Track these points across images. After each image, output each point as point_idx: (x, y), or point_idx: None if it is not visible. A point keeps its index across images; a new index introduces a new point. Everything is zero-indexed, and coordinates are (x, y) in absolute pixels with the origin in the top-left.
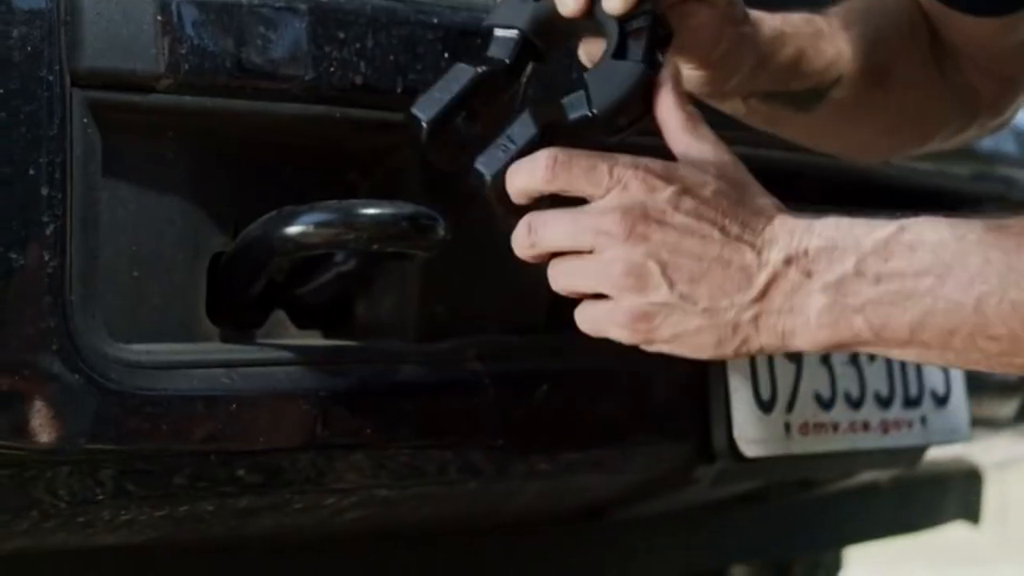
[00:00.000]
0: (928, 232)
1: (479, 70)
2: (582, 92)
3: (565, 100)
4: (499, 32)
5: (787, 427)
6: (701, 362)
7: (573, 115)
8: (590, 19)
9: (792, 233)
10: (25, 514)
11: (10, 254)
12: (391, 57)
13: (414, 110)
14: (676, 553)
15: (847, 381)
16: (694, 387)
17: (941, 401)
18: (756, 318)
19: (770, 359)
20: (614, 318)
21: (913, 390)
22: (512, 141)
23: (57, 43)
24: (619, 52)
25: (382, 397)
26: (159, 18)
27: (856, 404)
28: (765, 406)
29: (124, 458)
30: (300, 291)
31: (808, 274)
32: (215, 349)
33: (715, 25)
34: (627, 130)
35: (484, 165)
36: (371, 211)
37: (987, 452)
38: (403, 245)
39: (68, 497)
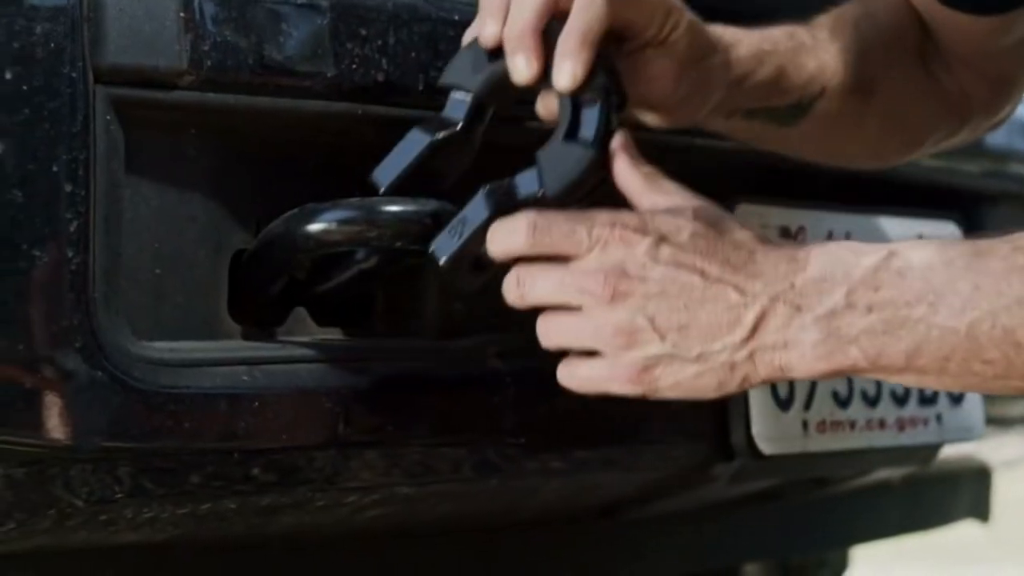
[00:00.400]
0: (916, 258)
1: (435, 136)
2: (534, 171)
3: (518, 178)
4: (455, 94)
5: (804, 425)
6: None
7: (524, 194)
8: (544, 83)
9: (776, 267)
10: (47, 512)
11: (34, 251)
12: (412, 54)
13: (373, 177)
14: (689, 551)
15: (864, 379)
16: None
17: (956, 399)
18: (751, 355)
19: None
20: (614, 375)
21: (928, 388)
22: (465, 224)
23: (80, 39)
24: (572, 129)
25: (404, 395)
26: (181, 14)
27: (873, 402)
28: (783, 404)
29: (147, 456)
30: (321, 289)
31: (798, 308)
32: (237, 347)
33: (673, 71)
34: (582, 201)
35: (439, 249)
36: (394, 208)
37: (996, 451)
38: (426, 242)
39: (90, 495)
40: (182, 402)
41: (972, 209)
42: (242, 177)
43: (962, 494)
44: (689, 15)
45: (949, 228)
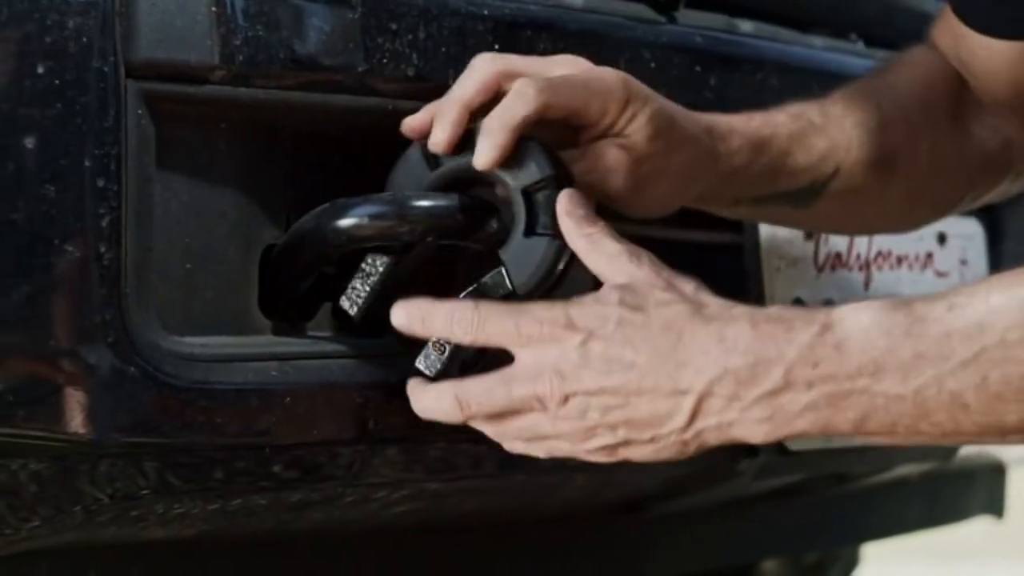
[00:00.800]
0: (853, 329)
1: (390, 258)
2: (501, 271)
3: (487, 280)
4: None
5: None
6: None
7: (497, 294)
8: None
9: (706, 352)
10: (75, 508)
11: (66, 246)
12: (442, 49)
13: (341, 304)
14: (709, 547)
15: None
16: None
17: None
18: (699, 434)
19: None
20: (586, 456)
21: None
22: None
23: (112, 34)
24: (530, 223)
25: None
26: (213, 9)
27: None
28: None
29: (177, 452)
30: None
31: (734, 394)
32: (268, 342)
33: (627, 163)
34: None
35: (425, 367)
36: (425, 203)
37: (1009, 447)
38: (458, 238)
39: (118, 491)
40: (213, 398)
41: (994, 206)
42: (272, 172)
43: (978, 490)
44: (658, 106)
45: (971, 225)
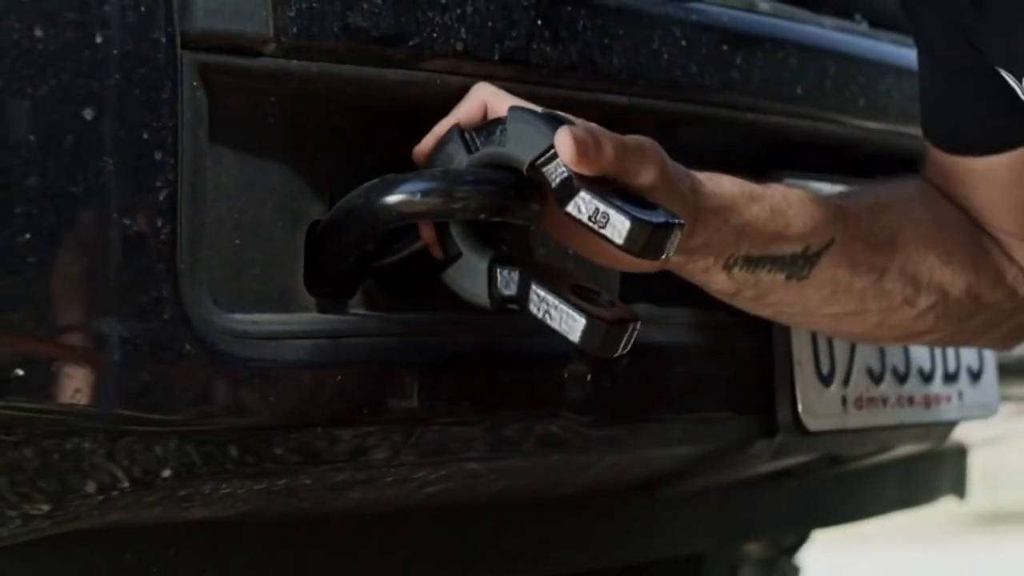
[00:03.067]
0: None
1: None
2: None
3: None
4: None
5: (844, 401)
6: (767, 335)
7: None
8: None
9: None
10: (127, 487)
11: (124, 220)
12: (489, 23)
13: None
14: (709, 527)
15: (895, 356)
16: (760, 360)
17: (975, 377)
18: None
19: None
20: None
21: (951, 366)
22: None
23: (170, 4)
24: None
25: (480, 369)
26: None
27: (902, 379)
28: (825, 380)
29: (231, 432)
30: (387, 261)
31: None
32: (316, 319)
33: None
34: None
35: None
36: (477, 179)
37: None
38: (508, 215)
39: (172, 470)
40: (266, 376)
41: None
42: (318, 147)
43: (945, 472)
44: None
45: None
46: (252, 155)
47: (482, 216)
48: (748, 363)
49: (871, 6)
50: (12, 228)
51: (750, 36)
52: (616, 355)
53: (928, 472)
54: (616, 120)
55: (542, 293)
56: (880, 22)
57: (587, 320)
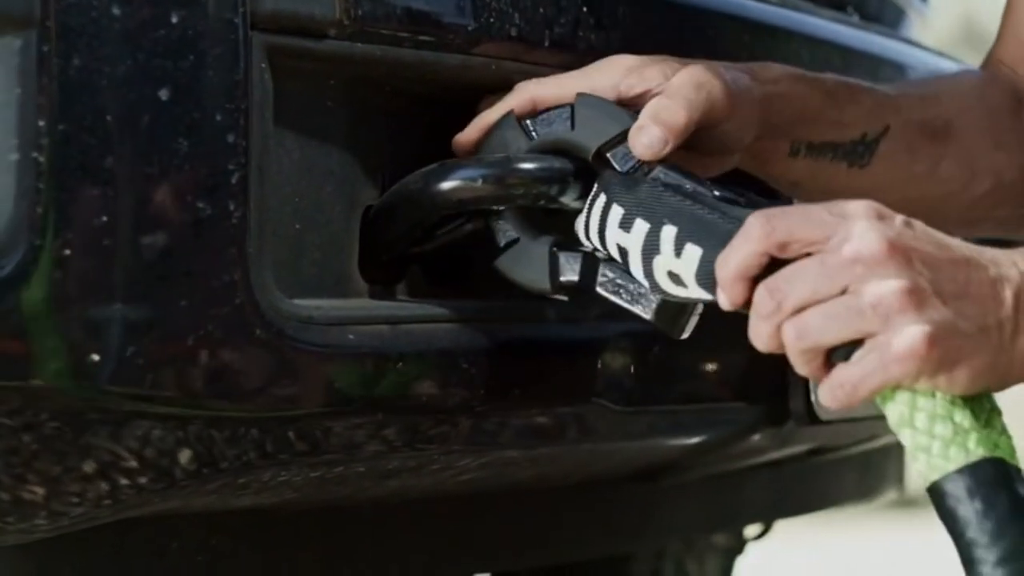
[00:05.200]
0: None
1: None
2: None
3: None
4: None
5: None
6: None
7: None
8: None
9: (1002, 255)
10: (193, 473)
11: (198, 203)
12: (540, 9)
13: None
14: (698, 516)
15: None
16: None
17: None
18: (1014, 336)
19: None
20: (905, 351)
21: None
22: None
23: None
24: None
25: (532, 356)
26: None
27: None
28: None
29: (297, 418)
30: (432, 246)
31: None
32: (378, 306)
33: None
34: None
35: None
36: (541, 166)
37: None
38: (569, 201)
39: (238, 458)
40: (331, 362)
41: None
42: (373, 132)
43: (892, 462)
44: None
45: None
46: (312, 139)
47: (542, 203)
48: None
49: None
50: (91, 210)
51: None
52: (682, 336)
53: (881, 463)
54: None
55: (611, 273)
56: (870, 16)
57: (661, 297)
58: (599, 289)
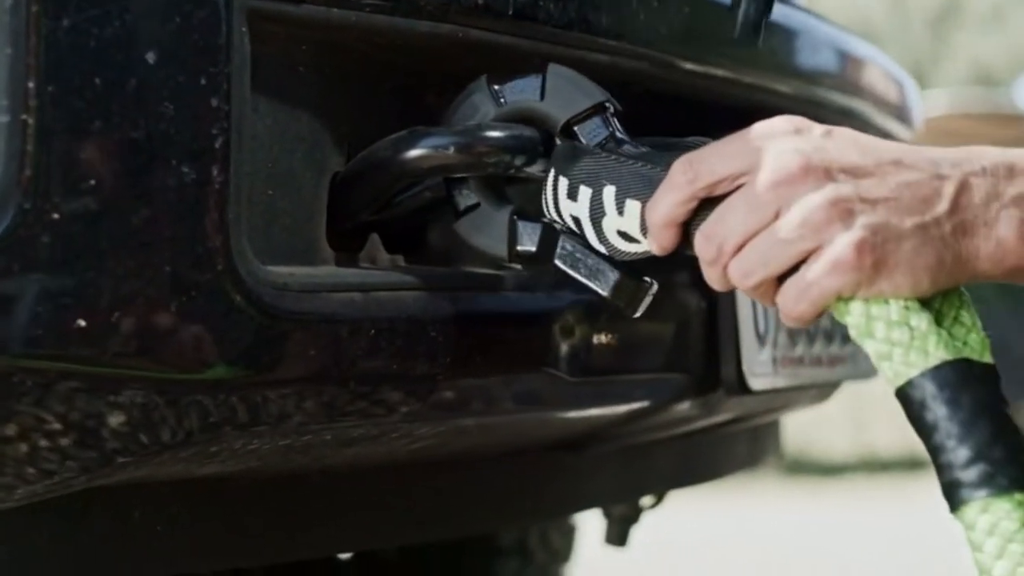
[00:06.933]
0: None
1: None
2: None
3: None
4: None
5: (774, 360)
6: (711, 293)
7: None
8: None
9: (955, 154)
10: (170, 442)
11: (183, 167)
12: None
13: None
14: (614, 484)
15: None
16: (705, 318)
17: None
18: (960, 230)
19: None
20: (834, 261)
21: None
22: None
23: None
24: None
25: (494, 325)
26: None
27: (812, 340)
28: (761, 339)
29: (275, 384)
30: (388, 214)
31: (994, 185)
32: (347, 273)
33: None
34: None
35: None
36: (507, 134)
37: None
38: (535, 171)
39: (214, 425)
40: (307, 329)
41: None
42: (342, 97)
43: (772, 432)
44: None
45: None
46: (284, 104)
47: (511, 171)
48: (694, 320)
49: None
50: (79, 174)
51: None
52: (635, 314)
53: (769, 431)
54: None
55: (569, 247)
56: None
57: (620, 274)
58: (557, 261)
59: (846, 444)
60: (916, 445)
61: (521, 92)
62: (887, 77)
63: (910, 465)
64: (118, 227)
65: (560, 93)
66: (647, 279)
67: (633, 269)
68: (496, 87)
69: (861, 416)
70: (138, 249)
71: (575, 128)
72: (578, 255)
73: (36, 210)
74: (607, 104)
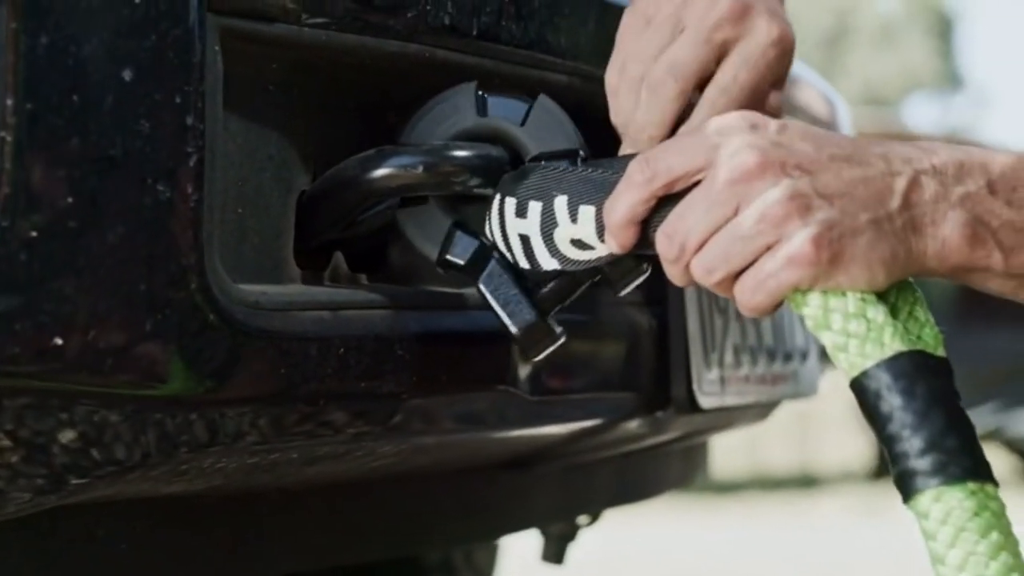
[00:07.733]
0: None
1: None
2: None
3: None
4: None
5: (722, 379)
6: (663, 309)
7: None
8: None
9: (907, 150)
10: (140, 460)
11: (158, 185)
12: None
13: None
14: (552, 503)
15: (750, 336)
16: (656, 335)
17: (804, 357)
18: (911, 226)
19: (708, 311)
20: (791, 255)
21: (789, 346)
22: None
23: None
24: None
25: (459, 342)
26: None
27: (755, 359)
28: (709, 357)
29: (247, 402)
30: (351, 233)
31: (943, 184)
32: (316, 292)
33: None
34: None
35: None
36: (476, 154)
37: None
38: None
39: (188, 442)
40: (279, 347)
41: None
42: (309, 116)
43: (702, 451)
44: None
45: None
46: (254, 123)
47: (477, 190)
48: (645, 338)
49: None
50: (56, 191)
51: None
52: (534, 359)
53: (699, 450)
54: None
55: (497, 273)
56: None
57: (535, 317)
58: (480, 283)
59: (741, 463)
60: (808, 463)
61: (504, 110)
62: (819, 96)
63: (802, 483)
64: (94, 245)
65: (541, 126)
66: (559, 329)
67: (549, 316)
68: (482, 94)
69: (756, 436)
70: (113, 268)
71: (542, 162)
72: (502, 284)
73: (14, 228)
74: (580, 152)
